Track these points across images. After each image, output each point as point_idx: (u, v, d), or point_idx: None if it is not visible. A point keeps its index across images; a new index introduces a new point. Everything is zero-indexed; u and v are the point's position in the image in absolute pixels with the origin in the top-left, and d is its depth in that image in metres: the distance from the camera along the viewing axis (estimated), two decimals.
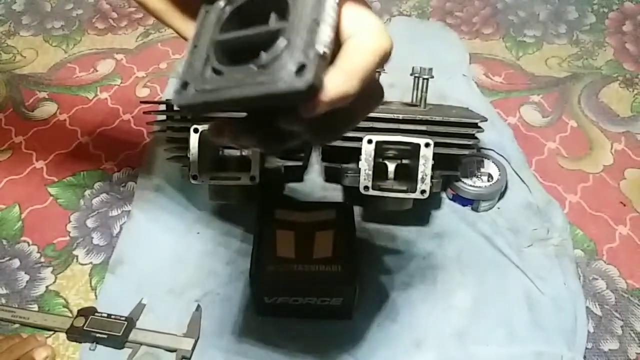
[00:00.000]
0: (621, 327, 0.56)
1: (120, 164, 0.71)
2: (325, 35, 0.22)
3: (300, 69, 0.21)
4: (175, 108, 0.57)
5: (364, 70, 0.23)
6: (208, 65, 0.23)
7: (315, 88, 0.21)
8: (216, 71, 0.23)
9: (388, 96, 0.68)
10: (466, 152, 0.56)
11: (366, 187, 0.52)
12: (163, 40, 0.88)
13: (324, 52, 0.21)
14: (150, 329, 0.53)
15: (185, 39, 0.29)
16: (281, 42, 0.22)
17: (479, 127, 0.56)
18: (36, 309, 0.57)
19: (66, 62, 0.86)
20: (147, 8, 0.29)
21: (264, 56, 0.22)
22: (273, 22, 0.23)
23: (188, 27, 0.29)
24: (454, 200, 0.65)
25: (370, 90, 0.25)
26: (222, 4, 0.25)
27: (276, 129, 0.24)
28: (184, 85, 0.23)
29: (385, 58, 0.24)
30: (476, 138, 0.56)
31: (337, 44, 0.24)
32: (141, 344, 0.53)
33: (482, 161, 0.65)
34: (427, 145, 0.51)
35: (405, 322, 0.54)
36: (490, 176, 0.63)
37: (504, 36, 0.91)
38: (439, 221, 0.63)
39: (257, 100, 0.21)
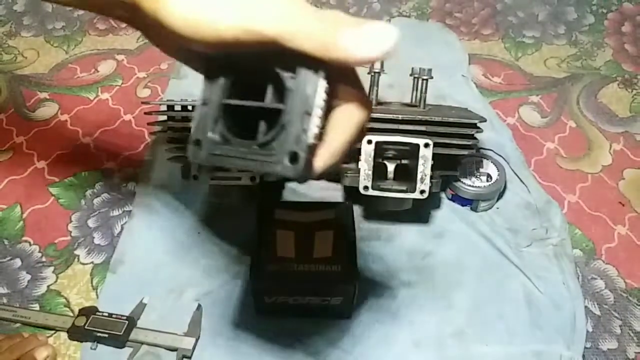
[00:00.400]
0: (620, 326, 0.56)
1: (121, 164, 0.71)
2: (314, 127, 0.25)
3: (293, 157, 0.24)
4: (177, 108, 0.57)
5: (348, 143, 0.27)
6: (217, 127, 0.26)
7: (304, 175, 0.25)
8: (224, 138, 0.26)
9: (387, 96, 0.69)
10: (465, 152, 0.56)
11: (366, 187, 0.52)
12: None
13: (312, 143, 0.25)
14: (151, 328, 0.54)
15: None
16: (278, 127, 0.25)
17: (478, 128, 0.56)
18: (37, 308, 0.57)
19: (67, 62, 0.86)
20: (168, 54, 0.30)
21: (264, 136, 0.25)
22: (270, 98, 0.26)
23: (196, 68, 0.29)
24: (453, 200, 0.65)
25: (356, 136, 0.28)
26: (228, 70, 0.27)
27: None
28: (197, 142, 0.26)
29: (366, 122, 0.27)
30: (475, 138, 0.56)
31: (329, 107, 0.26)
32: (142, 343, 0.53)
33: (481, 161, 0.65)
34: (426, 145, 0.51)
35: (405, 322, 0.55)
36: (489, 176, 0.63)
37: (503, 37, 0.91)
38: (438, 221, 0.63)
39: (259, 172, 0.24)
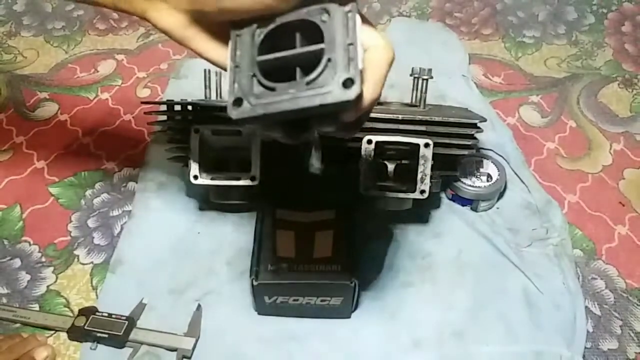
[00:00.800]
0: (620, 326, 0.56)
1: (121, 164, 0.71)
2: (360, 54, 0.26)
3: (347, 82, 0.25)
4: (177, 108, 0.57)
5: (383, 78, 0.29)
6: (255, 83, 0.27)
7: (361, 97, 0.26)
8: (268, 87, 0.27)
9: (388, 96, 0.69)
10: (465, 152, 0.56)
11: (366, 187, 0.52)
12: (164, 41, 0.88)
13: (361, 68, 0.26)
14: (151, 328, 0.54)
15: (205, 59, 0.32)
16: (324, 61, 0.26)
17: (478, 128, 0.56)
18: (37, 308, 0.57)
19: (67, 62, 0.86)
20: (172, 37, 0.32)
21: (311, 74, 0.26)
22: (300, 42, 0.28)
23: (210, 48, 0.32)
24: (454, 200, 0.65)
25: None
26: (254, 27, 0.28)
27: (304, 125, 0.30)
28: (238, 101, 0.27)
29: (392, 64, 0.30)
30: (475, 138, 0.56)
31: None
32: (142, 343, 0.53)
33: (482, 161, 0.65)
34: (426, 145, 0.51)
35: (405, 322, 0.55)
36: (489, 176, 0.63)
37: (503, 37, 0.91)
38: (438, 221, 0.63)
39: (310, 110, 0.26)
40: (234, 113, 0.27)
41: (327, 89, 0.25)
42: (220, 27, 0.31)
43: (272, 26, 0.28)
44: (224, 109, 0.56)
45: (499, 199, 0.65)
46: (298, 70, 0.27)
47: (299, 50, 0.27)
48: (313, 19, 0.27)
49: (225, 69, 0.31)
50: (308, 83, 0.26)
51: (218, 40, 0.32)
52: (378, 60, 0.29)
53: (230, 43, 0.29)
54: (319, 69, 0.26)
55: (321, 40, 0.27)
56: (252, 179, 0.53)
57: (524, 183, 0.67)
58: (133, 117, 0.77)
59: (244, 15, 0.28)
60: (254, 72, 0.27)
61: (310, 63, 0.27)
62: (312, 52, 0.27)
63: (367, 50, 0.28)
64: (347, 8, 0.27)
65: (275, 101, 0.26)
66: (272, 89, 0.26)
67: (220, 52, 0.32)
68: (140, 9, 0.32)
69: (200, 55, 0.33)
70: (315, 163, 0.38)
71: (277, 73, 0.27)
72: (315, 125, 0.29)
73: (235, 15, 0.29)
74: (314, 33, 0.27)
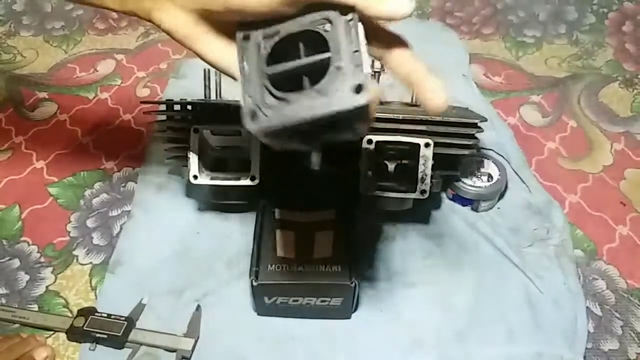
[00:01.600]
0: (621, 327, 0.56)
1: (120, 164, 0.71)
2: (367, 61, 0.27)
3: (358, 88, 0.26)
4: (176, 108, 0.57)
5: (426, 68, 0.30)
6: (267, 94, 0.28)
7: (372, 101, 0.27)
8: (281, 99, 0.27)
9: (388, 96, 0.69)
10: (466, 152, 0.56)
11: (366, 187, 0.52)
12: (163, 41, 0.88)
13: (370, 73, 0.27)
14: (150, 329, 0.53)
15: (206, 60, 0.33)
16: (332, 69, 0.27)
17: (479, 127, 0.56)
18: (36, 309, 0.57)
19: (66, 62, 0.86)
20: (176, 37, 0.32)
21: (321, 82, 0.27)
22: (304, 52, 0.28)
23: (212, 50, 0.32)
24: (454, 200, 0.65)
25: None
26: (259, 38, 0.29)
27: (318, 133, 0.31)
28: (253, 114, 0.27)
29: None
30: (476, 138, 0.56)
31: None
32: (141, 344, 0.53)
33: (482, 161, 0.65)
34: (427, 145, 0.51)
35: (405, 322, 0.54)
36: (490, 176, 0.63)
37: (503, 36, 0.91)
38: (439, 221, 0.63)
39: (326, 117, 0.27)
40: (252, 126, 0.27)
41: (339, 95, 0.26)
42: (225, 28, 0.31)
43: (277, 38, 0.29)
44: (223, 108, 0.56)
45: (499, 199, 0.65)
46: (305, 79, 0.28)
47: (306, 60, 0.28)
48: (316, 29, 0.28)
49: (223, 72, 0.32)
50: (320, 92, 0.27)
51: (220, 42, 0.32)
52: (408, 58, 0.30)
53: (237, 54, 0.29)
54: (328, 77, 0.27)
55: (326, 49, 0.28)
56: (252, 179, 0.53)
57: (524, 183, 0.67)
58: (132, 117, 0.77)
59: (249, 17, 0.29)
60: (264, 84, 0.28)
61: (317, 71, 0.27)
62: (319, 61, 0.28)
63: (389, 55, 0.30)
64: (348, 17, 0.28)
65: (290, 111, 0.27)
66: (285, 100, 0.27)
67: (222, 55, 0.32)
68: (146, 8, 0.32)
69: (201, 57, 0.33)
70: (316, 160, 0.38)
71: (285, 82, 0.28)
72: (331, 134, 0.30)
73: (241, 16, 0.29)
74: (317, 42, 0.28)
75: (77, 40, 0.90)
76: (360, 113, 0.27)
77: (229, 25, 0.31)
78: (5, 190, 0.68)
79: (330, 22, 0.28)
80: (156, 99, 0.77)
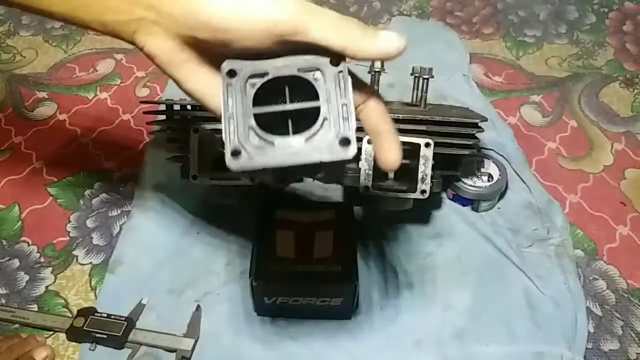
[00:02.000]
0: (621, 327, 0.56)
1: (120, 163, 0.71)
2: (354, 114, 0.28)
3: (344, 142, 0.27)
4: (176, 107, 0.57)
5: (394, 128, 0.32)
6: (252, 134, 0.28)
7: (357, 155, 0.28)
8: (266, 141, 0.28)
9: (388, 96, 0.69)
10: (466, 152, 0.56)
11: (366, 187, 0.52)
12: None
13: (356, 127, 0.28)
14: (150, 329, 0.53)
15: (184, 89, 0.32)
16: (320, 120, 0.28)
17: (479, 127, 0.56)
18: (36, 309, 0.57)
19: (66, 62, 0.86)
20: (158, 62, 0.31)
21: (309, 131, 0.28)
22: (289, 96, 0.29)
23: (192, 79, 0.31)
24: (454, 200, 0.64)
25: None
26: (246, 76, 0.29)
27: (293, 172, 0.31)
28: (236, 152, 0.27)
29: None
30: (476, 138, 0.56)
31: None
32: (141, 344, 0.52)
33: (482, 161, 0.65)
34: (427, 145, 0.51)
35: (405, 322, 0.54)
36: (490, 176, 0.63)
37: (504, 36, 0.90)
38: (439, 221, 0.63)
39: (309, 164, 0.27)
40: (233, 164, 0.27)
41: (325, 146, 0.27)
42: (209, 59, 0.30)
43: (265, 79, 0.29)
44: None
45: (499, 199, 0.65)
46: (290, 122, 0.28)
47: (295, 105, 0.28)
48: (305, 76, 0.28)
49: (200, 102, 0.32)
50: (306, 139, 0.27)
51: (204, 73, 0.31)
52: (380, 115, 0.31)
53: (222, 91, 0.29)
54: (315, 127, 0.27)
55: (313, 96, 0.28)
56: (252, 179, 0.53)
57: (525, 183, 0.67)
58: (132, 117, 0.77)
59: (236, 50, 0.28)
60: (249, 124, 0.28)
61: (303, 117, 0.28)
62: (307, 108, 0.28)
63: (363, 109, 0.31)
64: (339, 68, 0.28)
65: (275, 154, 0.27)
66: (271, 143, 0.28)
67: (203, 86, 0.31)
68: (129, 30, 0.31)
69: (180, 85, 0.32)
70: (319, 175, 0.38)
71: (268, 121, 0.28)
72: (303, 173, 0.30)
73: (228, 49, 0.29)
74: (306, 89, 0.28)
75: (77, 39, 0.90)
76: (344, 162, 0.28)
77: (214, 57, 0.30)
78: (5, 190, 0.68)
79: (320, 70, 0.28)
80: (156, 99, 0.77)
